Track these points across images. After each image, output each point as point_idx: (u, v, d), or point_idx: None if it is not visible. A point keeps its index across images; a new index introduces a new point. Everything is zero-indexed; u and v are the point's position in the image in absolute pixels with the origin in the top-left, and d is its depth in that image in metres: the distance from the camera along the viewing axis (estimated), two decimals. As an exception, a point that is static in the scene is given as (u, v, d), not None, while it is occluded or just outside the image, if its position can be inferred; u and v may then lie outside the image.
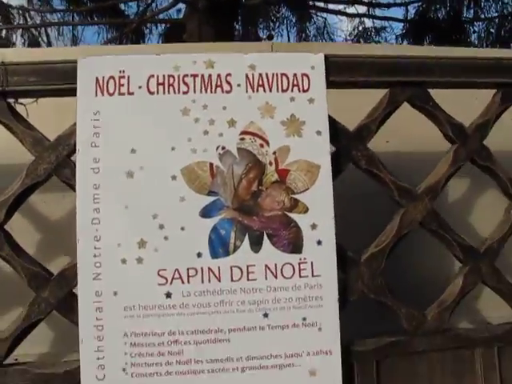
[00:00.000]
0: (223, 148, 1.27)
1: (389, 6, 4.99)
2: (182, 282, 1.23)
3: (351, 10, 5.21)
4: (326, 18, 5.37)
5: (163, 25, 5.24)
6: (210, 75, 1.29)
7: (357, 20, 5.27)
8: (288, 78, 1.31)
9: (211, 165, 1.26)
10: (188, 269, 1.24)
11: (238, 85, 1.29)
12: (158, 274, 1.23)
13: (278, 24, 5.46)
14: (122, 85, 1.27)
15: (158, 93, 1.28)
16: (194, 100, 1.27)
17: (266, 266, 1.26)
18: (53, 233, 1.63)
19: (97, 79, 1.27)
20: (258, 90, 1.30)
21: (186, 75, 1.29)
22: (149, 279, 1.23)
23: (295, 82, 1.31)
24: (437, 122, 1.41)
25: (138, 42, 5.14)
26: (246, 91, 1.29)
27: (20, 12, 4.89)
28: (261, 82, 1.30)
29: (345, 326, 1.25)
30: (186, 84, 1.28)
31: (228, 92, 1.29)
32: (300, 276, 1.26)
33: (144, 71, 1.28)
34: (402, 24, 5.11)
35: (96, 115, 1.26)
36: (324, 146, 1.30)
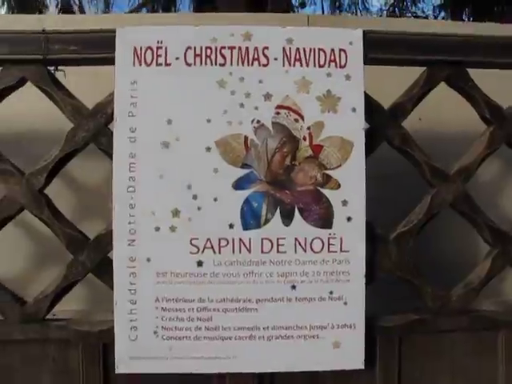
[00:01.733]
0: (258, 121, 1.27)
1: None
2: (214, 252, 1.27)
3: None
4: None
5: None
6: (247, 48, 1.29)
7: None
8: (325, 54, 1.30)
9: (246, 138, 1.27)
10: (220, 239, 1.27)
11: (275, 58, 1.29)
12: (191, 243, 1.27)
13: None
14: (160, 55, 1.28)
15: (195, 64, 1.28)
16: (231, 72, 1.28)
17: (296, 239, 1.28)
18: (89, 197, 1.68)
19: (135, 49, 1.28)
20: (294, 65, 1.29)
21: (224, 47, 1.29)
22: (181, 247, 1.27)
23: (332, 58, 1.30)
24: (474, 103, 1.38)
25: (170, 8, 5.08)
26: (283, 65, 1.29)
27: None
28: (298, 57, 1.29)
29: (370, 301, 1.28)
30: (223, 56, 1.28)
31: (265, 65, 1.29)
32: (329, 251, 1.28)
33: (181, 42, 1.28)
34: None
35: (133, 85, 1.28)
36: (358, 123, 1.29)
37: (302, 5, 5.41)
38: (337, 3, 5.20)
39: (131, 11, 4.80)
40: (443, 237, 1.58)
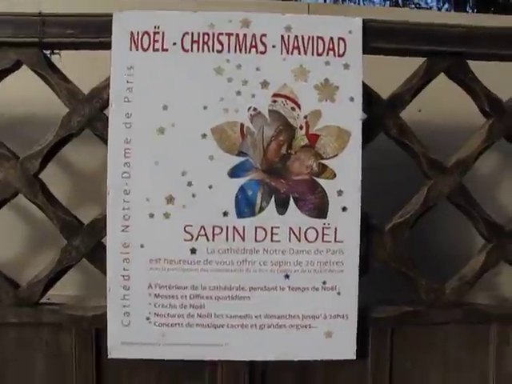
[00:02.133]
0: (255, 109, 1.26)
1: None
2: (207, 239, 1.27)
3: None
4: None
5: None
6: (245, 35, 1.27)
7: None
8: (324, 42, 1.28)
9: (242, 125, 1.26)
10: (214, 226, 1.27)
11: (273, 46, 1.28)
12: (184, 230, 1.26)
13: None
14: (157, 41, 1.27)
15: (192, 50, 1.27)
16: (228, 59, 1.27)
17: (290, 228, 1.27)
18: (84, 182, 1.68)
19: (131, 34, 1.27)
20: (292, 53, 1.28)
21: (221, 33, 1.27)
22: (175, 234, 1.26)
23: (331, 46, 1.28)
24: (473, 96, 1.37)
25: None
26: (281, 53, 1.27)
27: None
28: (296, 45, 1.28)
29: (363, 292, 1.28)
30: (220, 43, 1.27)
31: (262, 53, 1.27)
32: (323, 240, 1.28)
33: (179, 28, 1.27)
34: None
35: (130, 70, 1.26)
36: (356, 112, 1.28)
37: None
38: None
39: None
40: (438, 229, 1.57)
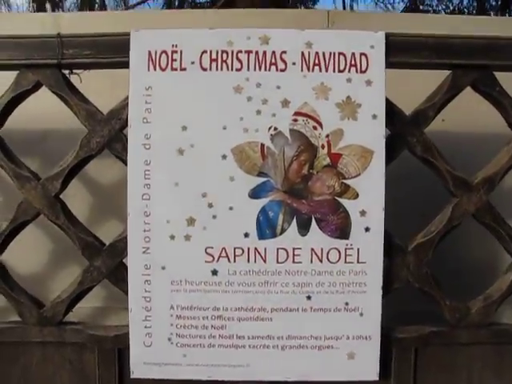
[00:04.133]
0: (275, 129, 1.24)
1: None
2: (229, 261, 1.26)
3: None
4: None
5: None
6: (264, 52, 1.25)
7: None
8: (345, 58, 1.25)
9: (262, 145, 1.24)
10: (235, 248, 1.26)
11: (294, 63, 1.25)
12: (206, 252, 1.26)
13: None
14: (175, 60, 1.25)
15: (210, 69, 1.25)
16: (248, 78, 1.24)
17: (312, 249, 1.26)
18: (106, 198, 1.68)
19: (149, 53, 1.26)
20: (313, 70, 1.25)
21: (240, 51, 1.25)
22: (196, 256, 1.26)
23: (353, 62, 1.25)
24: (501, 109, 1.33)
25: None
26: (301, 70, 1.25)
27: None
28: (317, 61, 1.25)
29: (387, 311, 1.26)
30: (239, 61, 1.25)
31: (282, 70, 1.25)
32: (345, 261, 1.26)
33: (197, 46, 1.25)
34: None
35: (148, 90, 1.25)
36: (379, 130, 1.25)
37: None
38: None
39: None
40: (463, 245, 1.53)
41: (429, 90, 1.33)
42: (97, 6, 5.03)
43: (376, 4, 5.09)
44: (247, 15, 1.43)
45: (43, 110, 1.55)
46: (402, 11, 5.12)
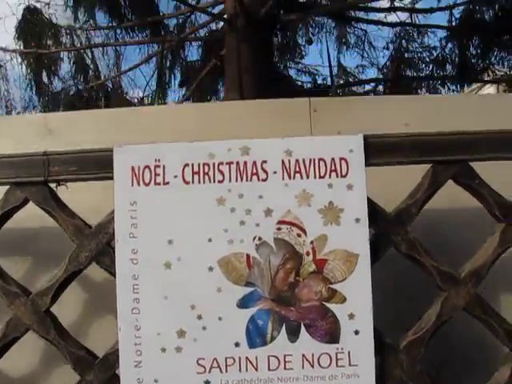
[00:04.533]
0: (260, 239, 1.26)
1: (432, 11, 4.70)
2: (221, 371, 1.26)
3: (391, 17, 5.05)
4: (365, 31, 5.24)
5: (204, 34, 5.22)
6: (245, 162, 1.28)
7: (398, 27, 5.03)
8: (326, 163, 1.27)
9: (248, 256, 1.26)
10: (226, 358, 1.26)
11: (275, 172, 1.27)
12: (197, 363, 1.26)
13: (316, 30, 5.30)
14: (158, 174, 1.28)
15: (193, 182, 1.27)
16: (230, 189, 1.27)
17: (303, 355, 1.26)
18: (100, 293, 1.67)
19: (132, 168, 1.28)
20: (294, 177, 1.27)
21: (221, 163, 1.28)
22: (188, 368, 1.26)
23: (333, 168, 1.27)
24: (482, 200, 1.34)
25: (179, 56, 5.17)
26: (283, 178, 1.27)
27: (67, 31, 5.04)
28: (298, 169, 1.27)
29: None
30: (221, 172, 1.27)
31: (264, 180, 1.27)
32: (337, 365, 1.26)
33: (179, 160, 1.28)
34: (447, 27, 4.78)
35: (133, 206, 1.27)
36: (363, 233, 1.26)
37: (309, 42, 5.39)
38: (343, 39, 5.18)
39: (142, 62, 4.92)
40: (456, 334, 1.53)
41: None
42: (91, 71, 5.17)
43: (362, 57, 5.29)
44: (233, 107, 1.46)
45: (35, 208, 1.57)
46: (386, 61, 5.35)
